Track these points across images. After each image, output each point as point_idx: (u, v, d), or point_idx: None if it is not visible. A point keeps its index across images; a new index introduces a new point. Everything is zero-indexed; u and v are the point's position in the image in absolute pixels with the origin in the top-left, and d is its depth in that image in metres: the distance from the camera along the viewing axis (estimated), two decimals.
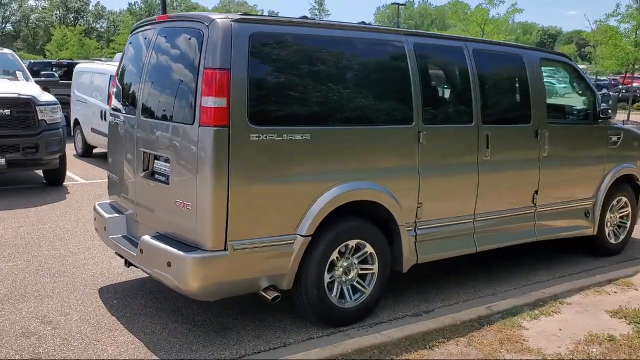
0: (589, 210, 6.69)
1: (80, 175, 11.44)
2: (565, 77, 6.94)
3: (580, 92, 6.81)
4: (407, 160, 5.03)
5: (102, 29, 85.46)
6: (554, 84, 10.86)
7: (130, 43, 5.40)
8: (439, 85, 5.45)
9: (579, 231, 6.62)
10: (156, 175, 4.66)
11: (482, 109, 5.51)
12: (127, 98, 5.21)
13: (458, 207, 5.46)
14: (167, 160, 4.49)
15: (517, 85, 6.05)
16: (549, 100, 6.43)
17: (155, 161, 4.68)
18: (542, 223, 6.21)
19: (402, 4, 52.56)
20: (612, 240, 7.05)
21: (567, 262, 6.73)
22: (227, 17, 4.23)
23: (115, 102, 5.45)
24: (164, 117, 4.60)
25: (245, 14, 4.41)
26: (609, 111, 6.49)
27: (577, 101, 6.86)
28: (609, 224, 7.00)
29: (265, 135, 4.23)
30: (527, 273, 6.34)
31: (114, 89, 5.56)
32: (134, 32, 5.39)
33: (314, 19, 4.95)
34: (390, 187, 4.89)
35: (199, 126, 4.12)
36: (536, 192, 6.07)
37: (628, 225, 7.19)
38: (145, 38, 5.03)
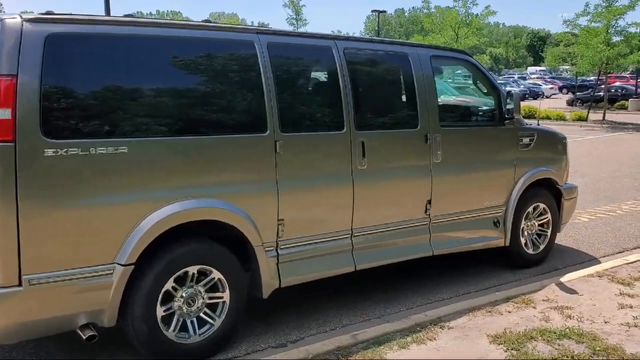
0: (499, 219, 6.16)
1: None
2: (470, 75, 6.42)
3: (485, 91, 6.31)
4: (262, 172, 4.51)
5: None
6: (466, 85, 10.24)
7: None
8: (301, 88, 4.92)
9: (487, 242, 6.09)
10: None
11: (356, 114, 4.99)
12: None
13: (330, 222, 4.93)
14: None
15: (401, 86, 5.54)
16: (445, 102, 5.93)
17: None
18: (439, 235, 5.67)
19: (382, 11, 52.06)
20: (531, 251, 6.51)
21: (479, 277, 6.19)
22: (19, 17, 3.70)
23: None
24: None
25: (47, 12, 3.90)
26: (513, 111, 5.96)
27: (480, 102, 6.36)
28: (525, 233, 6.47)
29: (65, 150, 3.70)
30: (431, 290, 5.81)
31: None
32: None
33: (142, 18, 4.42)
34: (240, 204, 4.36)
35: None
36: (429, 202, 5.54)
37: (549, 233, 6.66)
38: None
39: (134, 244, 3.91)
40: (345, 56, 5.01)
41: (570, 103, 38.63)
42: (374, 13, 52.26)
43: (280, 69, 4.67)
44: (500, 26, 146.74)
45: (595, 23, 26.22)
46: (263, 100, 4.49)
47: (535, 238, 6.59)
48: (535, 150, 6.42)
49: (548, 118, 27.44)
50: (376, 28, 56.14)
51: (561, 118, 27.24)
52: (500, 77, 64.94)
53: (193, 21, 4.50)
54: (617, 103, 36.43)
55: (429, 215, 5.58)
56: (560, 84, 56.89)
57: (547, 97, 49.53)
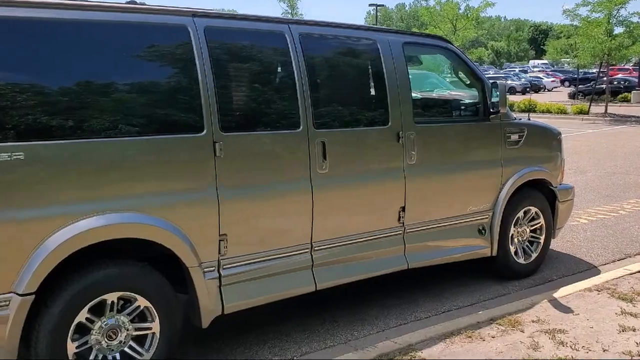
0: (485, 226, 5.48)
1: None
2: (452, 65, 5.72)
3: (467, 82, 5.62)
4: (198, 180, 3.85)
5: None
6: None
7: None
8: (247, 81, 4.24)
9: (470, 252, 5.41)
10: None
11: (315, 110, 4.33)
12: None
13: (285, 235, 4.27)
14: None
15: (368, 77, 4.87)
16: (421, 95, 5.25)
17: None
18: (415, 246, 5.00)
19: (379, 5, 51.25)
20: (522, 260, 5.83)
21: (463, 290, 5.52)
22: None
23: None
24: None
25: None
26: (498, 104, 5.27)
27: (462, 94, 5.68)
28: (515, 240, 5.79)
29: None
30: (409, 306, 5.15)
31: None
32: None
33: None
34: (170, 217, 3.70)
35: None
36: (403, 209, 4.87)
37: (542, 239, 5.98)
38: None
39: (35, 269, 3.26)
40: (301, 43, 4.34)
41: (572, 96, 37.85)
42: (374, 8, 51.35)
43: (222, 58, 4.00)
44: (502, 20, 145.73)
45: (596, 13, 25.42)
46: (199, 95, 3.82)
47: (526, 246, 5.91)
48: (526, 148, 5.73)
49: (549, 112, 26.71)
50: (375, 23, 55.23)
51: (562, 111, 26.49)
52: (502, 71, 64.07)
53: (113, 2, 3.81)
54: (620, 95, 35.61)
55: (403, 223, 4.91)
56: (562, 77, 56.01)
57: (548, 91, 48.78)
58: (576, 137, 18.50)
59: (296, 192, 4.28)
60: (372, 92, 4.84)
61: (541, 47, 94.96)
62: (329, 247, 4.48)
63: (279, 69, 4.33)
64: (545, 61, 79.86)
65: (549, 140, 6.11)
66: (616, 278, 5.47)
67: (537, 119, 23.98)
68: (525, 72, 61.41)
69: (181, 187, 3.77)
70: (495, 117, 5.43)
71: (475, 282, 5.75)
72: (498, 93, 5.24)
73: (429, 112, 5.45)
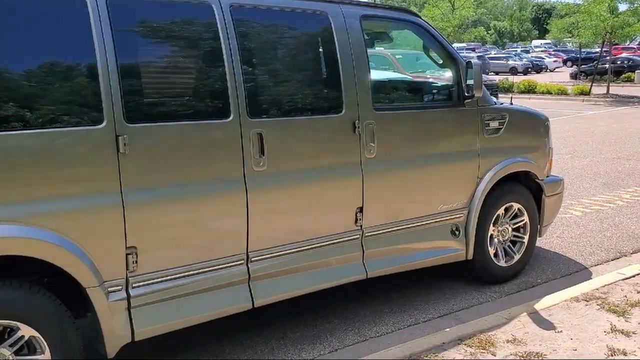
0: (459, 227, 4.82)
1: None
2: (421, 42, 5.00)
3: (440, 62, 4.92)
4: (97, 182, 3.19)
5: None
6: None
7: None
8: (161, 60, 3.53)
9: (442, 257, 4.76)
10: None
11: (249, 96, 3.65)
12: None
13: (213, 245, 3.62)
14: None
15: (317, 56, 4.18)
16: (383, 77, 4.56)
17: None
18: (375, 252, 4.35)
19: None
20: (503, 263, 5.18)
21: (435, 297, 4.89)
22: None
23: None
24: None
25: None
26: (473, 87, 4.58)
27: (433, 76, 4.98)
28: (495, 240, 5.13)
29: None
30: (371, 318, 4.53)
31: None
32: None
33: None
34: (60, 229, 3.06)
35: None
36: (360, 209, 4.21)
37: (526, 239, 5.32)
38: None
39: None
40: (232, 15, 3.65)
41: (574, 76, 36.92)
42: None
43: (128, 34, 3.32)
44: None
45: None
46: (97, 77, 3.14)
47: (508, 246, 5.26)
48: (508, 136, 5.05)
49: (549, 92, 25.89)
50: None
51: (562, 92, 25.67)
52: (503, 51, 62.84)
53: None
54: (623, 75, 34.66)
55: (361, 226, 4.25)
56: (565, 57, 54.91)
57: (550, 71, 47.78)
58: (575, 119, 17.76)
59: (226, 194, 3.62)
60: (322, 73, 4.15)
61: (544, 26, 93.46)
62: (270, 257, 3.83)
63: (205, 46, 3.62)
64: (548, 41, 78.48)
65: (535, 127, 5.42)
66: (608, 284, 4.81)
67: (537, 100, 23.35)
68: (528, 52, 60.29)
69: (74, 191, 3.11)
70: (471, 101, 4.74)
71: (452, 286, 5.12)
72: (473, 74, 4.54)
73: (392, 97, 4.77)
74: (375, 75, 4.64)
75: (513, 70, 43.11)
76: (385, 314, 4.61)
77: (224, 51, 3.57)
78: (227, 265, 3.66)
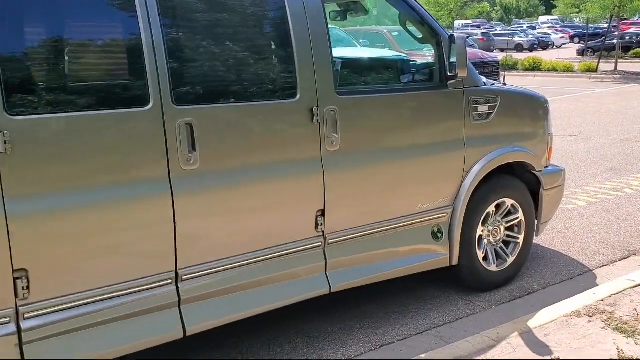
0: (442, 228, 4.16)
1: None
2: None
3: (420, 37, 4.21)
4: None
5: None
6: None
7: None
8: (53, 37, 2.83)
9: (421, 263, 4.10)
10: None
11: (175, 78, 2.97)
12: None
13: (130, 263, 2.97)
14: None
15: (264, 29, 3.48)
16: (348, 55, 3.87)
17: None
18: (341, 261, 3.70)
19: None
20: (494, 267, 4.52)
21: (414, 308, 4.27)
22: None
23: None
24: None
25: None
26: (455, 65, 3.88)
27: (413, 54, 4.27)
28: (485, 242, 4.47)
29: None
30: (335, 337, 3.90)
31: None
32: None
33: None
34: None
35: None
36: (322, 212, 3.55)
37: (521, 239, 4.65)
38: None
39: None
40: None
41: (581, 53, 35.88)
42: None
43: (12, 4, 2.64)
44: None
45: None
46: None
47: (500, 248, 4.59)
48: (499, 122, 4.37)
49: (554, 70, 24.97)
50: None
51: (568, 70, 24.74)
52: (509, 28, 61.39)
53: None
54: (632, 51, 33.56)
55: (323, 232, 3.59)
56: (572, 33, 53.61)
57: (557, 47, 46.61)
58: (581, 98, 16.95)
59: (146, 199, 2.96)
60: (271, 50, 3.46)
61: (551, 2, 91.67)
62: (206, 275, 3.19)
63: (113, 17, 2.94)
64: (555, 17, 76.84)
65: (532, 110, 4.72)
66: (615, 294, 4.15)
67: (541, 77, 22.51)
68: (534, 28, 58.96)
69: None
70: (455, 82, 4.04)
71: (437, 293, 4.49)
72: (454, 52, 3.84)
73: (360, 79, 4.09)
74: (340, 52, 3.95)
75: (518, 47, 42.09)
76: (355, 331, 3.97)
77: (140, 24, 2.87)
78: (149, 286, 3.01)
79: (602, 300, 4.04)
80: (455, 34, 3.87)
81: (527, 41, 44.08)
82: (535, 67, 25.44)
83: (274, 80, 3.41)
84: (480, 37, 38.58)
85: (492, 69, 14.49)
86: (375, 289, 4.11)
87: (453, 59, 3.92)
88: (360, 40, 12.80)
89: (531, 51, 40.30)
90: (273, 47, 3.43)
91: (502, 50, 37.12)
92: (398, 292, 4.45)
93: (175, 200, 3.00)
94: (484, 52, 18.37)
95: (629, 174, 8.04)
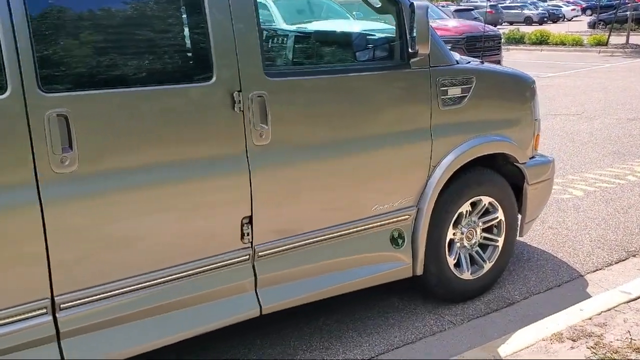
0: (403, 233, 3.54)
1: None
2: None
3: (378, 6, 3.54)
4: None
5: None
6: None
7: None
8: None
9: (378, 275, 3.49)
10: None
11: (42, 57, 2.34)
12: None
13: None
14: None
15: (167, 4, 2.81)
16: (284, 29, 3.20)
17: None
18: (274, 277, 3.10)
19: None
20: (468, 275, 3.91)
21: (377, 325, 3.68)
22: None
23: None
24: None
25: None
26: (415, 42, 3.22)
27: (366, 27, 3.61)
28: (458, 245, 3.85)
29: None
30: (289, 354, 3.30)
31: None
32: None
33: None
34: None
35: None
36: (249, 220, 2.94)
37: (500, 242, 4.03)
38: None
39: None
40: None
41: (592, 25, 34.67)
42: None
43: None
44: None
45: None
46: None
47: (476, 252, 3.97)
48: (475, 107, 3.72)
49: (562, 43, 23.97)
50: None
51: (577, 43, 23.73)
52: (519, 0, 59.75)
53: None
54: None
55: (251, 243, 2.98)
56: (584, 5, 52.10)
57: (568, 20, 45.28)
58: (589, 74, 16.11)
59: (8, 210, 2.35)
60: (177, 19, 2.79)
61: None
62: (94, 301, 2.59)
63: None
64: None
65: (515, 93, 4.06)
66: (606, 311, 3.52)
67: (548, 52, 21.59)
68: (544, 0, 57.41)
69: None
70: (419, 61, 3.38)
71: (403, 304, 3.91)
72: (415, 25, 3.17)
73: (298, 58, 3.43)
74: (272, 25, 3.28)
75: (528, 20, 40.89)
76: (299, 354, 3.38)
77: None
78: (17, 318, 2.42)
79: (590, 319, 3.42)
80: (415, 2, 3.19)
81: (537, 14, 42.85)
82: (542, 41, 24.46)
83: (182, 59, 2.78)
84: (489, 10, 37.41)
85: (493, 43, 13.67)
86: (336, 298, 3.50)
87: (415, 33, 3.25)
88: (354, 13, 12.10)
89: (541, 24, 39.13)
90: (179, 15, 2.77)
91: (510, 23, 36.00)
92: (363, 301, 3.85)
93: (45, 211, 2.39)
94: (487, 25, 17.50)
95: (634, 158, 7.36)
